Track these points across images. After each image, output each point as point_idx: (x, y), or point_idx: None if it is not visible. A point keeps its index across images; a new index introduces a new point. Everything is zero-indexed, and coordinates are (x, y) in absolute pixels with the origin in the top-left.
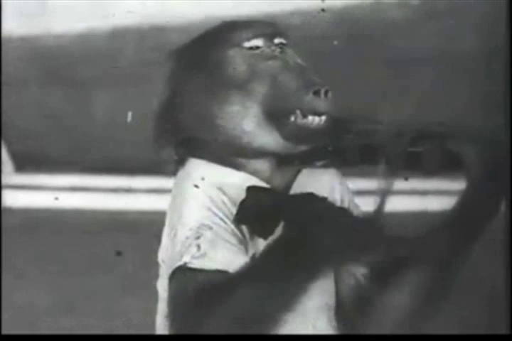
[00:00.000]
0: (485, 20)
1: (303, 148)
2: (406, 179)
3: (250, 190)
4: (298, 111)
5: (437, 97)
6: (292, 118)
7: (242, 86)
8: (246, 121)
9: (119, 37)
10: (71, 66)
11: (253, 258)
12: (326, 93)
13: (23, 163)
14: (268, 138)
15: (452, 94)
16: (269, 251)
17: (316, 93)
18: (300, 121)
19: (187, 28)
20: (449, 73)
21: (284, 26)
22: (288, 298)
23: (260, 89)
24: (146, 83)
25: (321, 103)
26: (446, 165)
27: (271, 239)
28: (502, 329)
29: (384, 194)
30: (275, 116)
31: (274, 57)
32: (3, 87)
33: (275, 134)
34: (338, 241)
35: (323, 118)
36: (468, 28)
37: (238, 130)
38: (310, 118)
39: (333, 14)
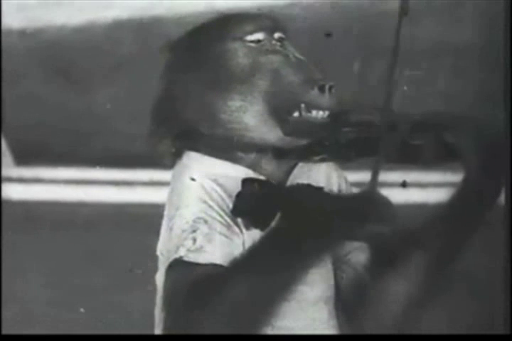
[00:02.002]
0: (484, 13)
1: (303, 142)
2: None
3: (246, 182)
4: (303, 105)
5: (436, 90)
6: (296, 114)
7: (244, 80)
8: (248, 115)
9: (119, 29)
10: (71, 58)
11: (247, 248)
12: (330, 88)
13: (23, 156)
14: (269, 133)
15: (451, 87)
16: (262, 240)
17: (321, 88)
18: (304, 114)
19: (187, 19)
20: (447, 66)
21: (283, 18)
22: (284, 286)
23: (262, 83)
24: (146, 75)
25: (325, 98)
26: (443, 156)
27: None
28: (502, 329)
29: (376, 170)
30: (278, 110)
31: (275, 51)
32: (3, 80)
33: (277, 129)
34: (332, 221)
35: (327, 112)
36: (468, 20)
37: (240, 124)
38: (314, 112)
39: (330, 6)
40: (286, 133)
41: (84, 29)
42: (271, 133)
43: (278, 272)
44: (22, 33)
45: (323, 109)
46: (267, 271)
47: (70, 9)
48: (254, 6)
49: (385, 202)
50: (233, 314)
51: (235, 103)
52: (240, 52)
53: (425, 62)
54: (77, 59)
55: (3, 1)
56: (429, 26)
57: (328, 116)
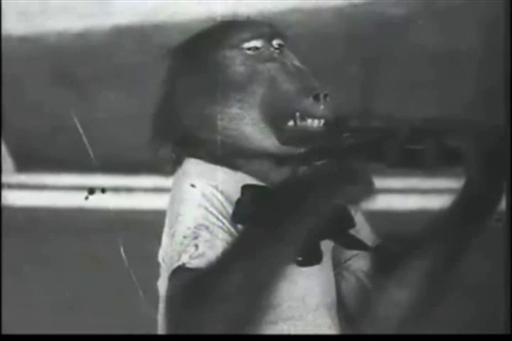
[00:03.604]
0: (485, 18)
1: (301, 150)
2: None
3: (246, 188)
4: (297, 114)
5: (437, 95)
6: (291, 123)
7: (240, 87)
8: (245, 123)
9: (120, 35)
10: (71, 65)
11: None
12: (325, 97)
13: (24, 162)
14: (266, 141)
15: (452, 91)
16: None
17: (316, 97)
18: (299, 123)
19: (188, 25)
20: (448, 70)
21: (283, 25)
22: (277, 265)
23: (259, 91)
24: (146, 81)
25: (320, 107)
26: (444, 161)
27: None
28: (502, 329)
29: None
30: (273, 119)
31: (272, 59)
32: (3, 86)
33: (273, 137)
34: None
35: (322, 121)
36: (468, 24)
37: (237, 131)
38: (309, 121)
39: (330, 12)
40: (281, 142)
41: (85, 36)
42: (268, 141)
43: (270, 251)
44: (22, 40)
45: (318, 117)
46: (258, 254)
47: (70, 16)
48: (256, 12)
49: (361, 166)
50: (232, 302)
51: (233, 110)
52: (237, 59)
53: (426, 67)
54: (77, 65)
55: (3, 7)
56: (429, 31)
57: (324, 124)
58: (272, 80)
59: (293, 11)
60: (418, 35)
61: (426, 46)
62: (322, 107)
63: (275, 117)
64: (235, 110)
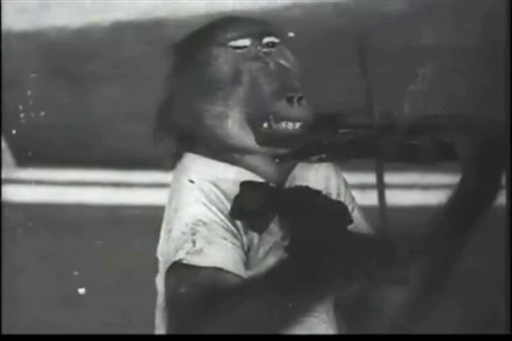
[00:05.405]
0: (485, 15)
1: (281, 151)
2: None
3: (244, 185)
4: (271, 116)
5: (437, 92)
6: (265, 124)
7: (224, 86)
8: (229, 121)
9: (120, 31)
10: (71, 60)
11: (259, 273)
12: (299, 100)
13: (23, 158)
14: (247, 140)
15: (452, 90)
16: (273, 270)
17: (289, 100)
18: (274, 125)
19: (188, 21)
20: (448, 67)
21: (281, 21)
22: (293, 317)
23: (240, 90)
24: (146, 77)
25: (293, 110)
26: (440, 156)
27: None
28: (502, 329)
29: (382, 206)
30: (251, 120)
31: (256, 58)
32: (3, 82)
33: (252, 138)
34: (349, 263)
35: (298, 124)
36: (468, 22)
37: (223, 129)
38: (283, 123)
39: (332, 7)
40: (258, 143)
41: (85, 31)
42: (248, 141)
43: (292, 299)
44: (22, 35)
45: (292, 120)
46: (282, 295)
47: (70, 11)
48: (256, 8)
49: (393, 246)
50: (244, 329)
51: (218, 108)
52: (222, 58)
53: (426, 64)
54: (77, 61)
55: (3, 3)
56: (429, 28)
57: (301, 126)
58: (252, 80)
59: (293, 6)
60: (419, 31)
61: (426, 42)
62: (296, 110)
63: (252, 118)
64: (219, 108)
